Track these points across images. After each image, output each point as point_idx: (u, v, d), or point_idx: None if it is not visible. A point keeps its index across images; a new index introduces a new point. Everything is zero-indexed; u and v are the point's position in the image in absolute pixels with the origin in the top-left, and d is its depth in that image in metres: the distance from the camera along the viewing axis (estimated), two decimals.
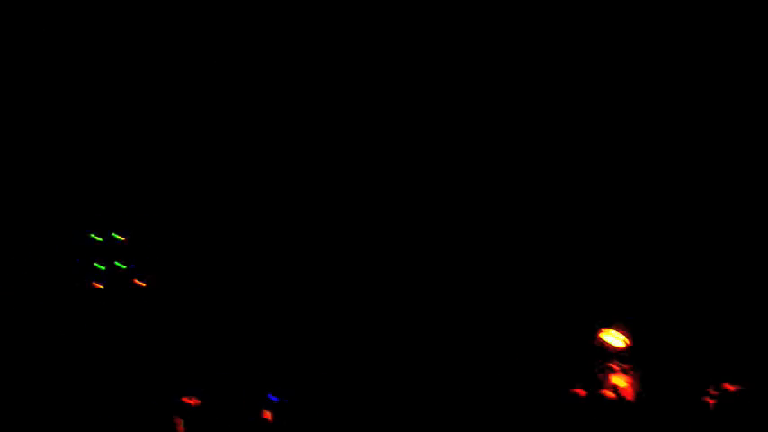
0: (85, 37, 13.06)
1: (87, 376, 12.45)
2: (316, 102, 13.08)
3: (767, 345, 11.27)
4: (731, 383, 10.99)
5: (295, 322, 12.75)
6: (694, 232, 11.96)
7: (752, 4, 11.83)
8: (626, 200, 12.23)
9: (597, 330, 11.82)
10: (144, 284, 13.45)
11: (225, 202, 13.39)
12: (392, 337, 12.31)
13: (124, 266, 13.52)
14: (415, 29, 12.69)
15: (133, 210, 13.56)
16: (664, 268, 11.96)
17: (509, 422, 11.43)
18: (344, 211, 12.98)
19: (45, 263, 13.18)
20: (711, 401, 11.04)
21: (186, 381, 12.41)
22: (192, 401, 12.15)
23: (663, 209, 12.13)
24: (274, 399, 12.11)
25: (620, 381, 11.49)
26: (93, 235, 13.48)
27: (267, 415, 12.03)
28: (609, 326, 11.75)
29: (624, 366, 11.56)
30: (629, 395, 11.40)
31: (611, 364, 11.61)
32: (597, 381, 11.55)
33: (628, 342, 11.73)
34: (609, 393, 11.42)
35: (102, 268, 13.43)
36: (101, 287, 13.38)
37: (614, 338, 11.78)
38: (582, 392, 11.46)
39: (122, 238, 13.56)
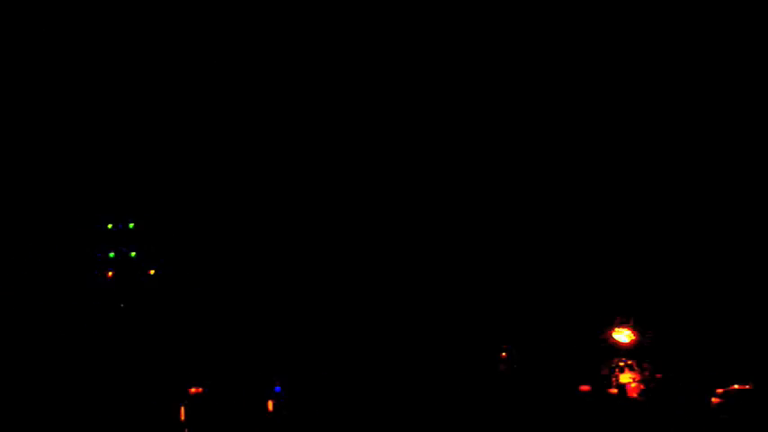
0: (99, 37, 13.10)
1: (96, 361, 12.56)
2: (320, 102, 13.08)
3: None
4: (738, 383, 10.92)
5: (298, 318, 12.74)
6: (703, 232, 11.88)
7: (752, 4, 11.78)
8: (639, 200, 12.16)
9: (608, 329, 11.78)
10: (152, 272, 13.49)
11: (234, 197, 13.42)
12: (400, 330, 12.28)
13: (134, 253, 13.58)
14: (414, 29, 12.71)
15: (144, 201, 13.60)
16: (672, 267, 11.88)
17: (517, 418, 11.38)
18: (348, 209, 12.96)
19: (59, 252, 13.26)
20: (716, 400, 10.97)
21: (191, 370, 12.45)
22: (194, 390, 12.20)
23: (674, 209, 12.04)
24: (278, 389, 12.11)
25: (627, 378, 11.43)
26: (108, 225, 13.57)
27: (269, 405, 12.04)
28: (619, 323, 11.70)
29: (630, 362, 11.51)
30: (635, 393, 11.33)
31: (619, 362, 11.55)
32: (605, 378, 11.51)
33: (635, 338, 11.67)
34: (614, 391, 11.37)
35: (112, 255, 13.50)
36: (111, 275, 13.42)
37: (623, 336, 11.73)
38: (588, 388, 11.41)
39: (132, 226, 13.61)
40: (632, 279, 11.84)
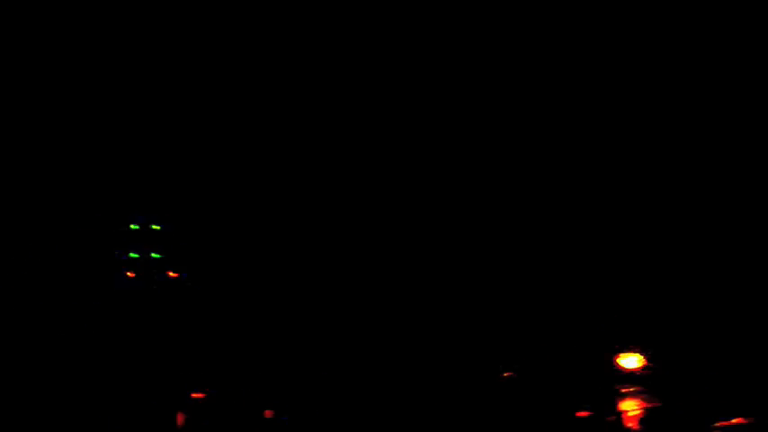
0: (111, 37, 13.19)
1: (105, 363, 12.64)
2: (325, 101, 13.03)
3: None
4: (740, 416, 10.53)
5: (301, 322, 12.70)
6: (712, 256, 11.57)
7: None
8: (647, 221, 11.89)
9: (615, 354, 11.49)
10: (176, 275, 13.54)
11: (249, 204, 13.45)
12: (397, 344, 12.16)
13: (158, 256, 13.64)
14: (415, 29, 12.60)
15: (166, 204, 13.67)
16: (683, 293, 11.57)
17: None
18: (353, 209, 12.89)
19: (82, 253, 13.37)
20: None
21: (193, 375, 12.47)
22: (197, 396, 12.20)
23: (681, 231, 11.76)
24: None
25: (629, 406, 11.10)
26: (132, 225, 13.64)
27: (268, 413, 11.98)
28: (626, 349, 11.41)
29: (635, 389, 11.19)
30: (635, 421, 11.00)
31: (623, 389, 11.26)
32: (606, 404, 11.18)
33: (643, 362, 11.35)
34: (613, 418, 11.05)
35: (136, 256, 13.56)
36: (133, 276, 13.50)
37: (629, 361, 11.42)
38: (586, 414, 11.12)
39: (158, 227, 13.66)
40: (642, 303, 11.57)
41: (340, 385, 11.98)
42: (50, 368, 12.29)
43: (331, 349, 12.28)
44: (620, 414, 11.09)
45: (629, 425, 10.96)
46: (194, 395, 12.20)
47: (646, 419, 10.93)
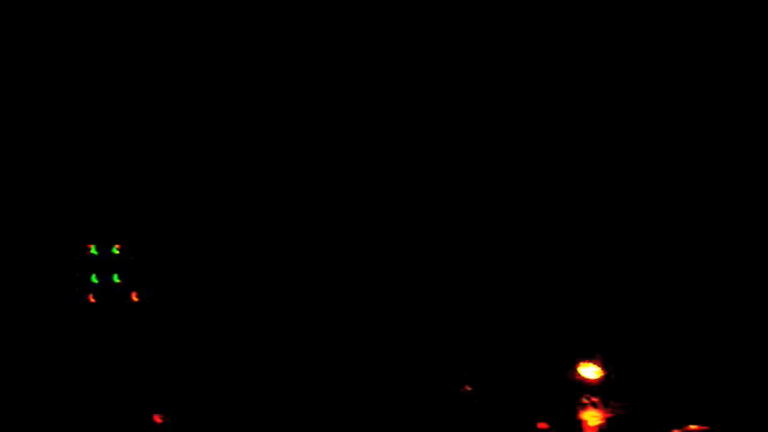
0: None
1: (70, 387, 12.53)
2: (313, 103, 13.00)
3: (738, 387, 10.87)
4: (696, 424, 10.59)
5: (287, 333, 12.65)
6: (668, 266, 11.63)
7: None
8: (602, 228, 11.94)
9: (575, 364, 11.51)
10: (137, 299, 13.45)
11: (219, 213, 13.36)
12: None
13: (119, 280, 13.54)
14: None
15: (129, 221, 13.57)
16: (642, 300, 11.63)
17: None
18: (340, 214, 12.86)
19: (40, 275, 13.25)
20: None
21: (162, 398, 12.39)
22: (160, 419, 12.13)
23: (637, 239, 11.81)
24: None
25: (589, 417, 11.13)
26: (91, 248, 13.53)
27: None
28: (586, 359, 11.43)
29: (594, 400, 11.21)
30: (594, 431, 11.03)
31: (582, 399, 11.27)
32: (564, 416, 11.19)
33: (602, 373, 11.38)
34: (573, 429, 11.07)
35: (97, 281, 13.47)
36: (95, 301, 13.40)
37: (589, 371, 11.44)
38: (546, 426, 11.13)
39: (118, 250, 13.56)
40: (601, 313, 11.60)
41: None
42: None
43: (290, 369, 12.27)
44: (580, 423, 11.11)
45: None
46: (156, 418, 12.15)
47: (605, 429, 10.96)
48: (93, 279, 13.44)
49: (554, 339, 11.61)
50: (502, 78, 12.36)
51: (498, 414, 11.34)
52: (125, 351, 12.83)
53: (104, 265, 13.46)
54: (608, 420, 11.07)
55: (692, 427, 10.50)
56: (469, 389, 11.51)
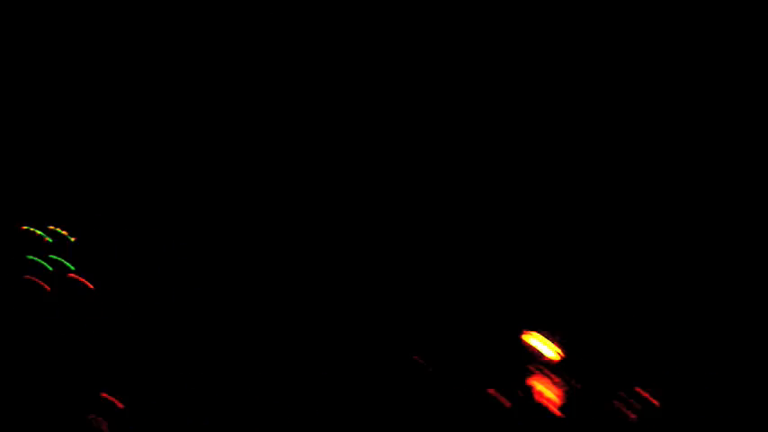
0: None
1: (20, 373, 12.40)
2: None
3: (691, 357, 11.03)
4: (650, 394, 10.72)
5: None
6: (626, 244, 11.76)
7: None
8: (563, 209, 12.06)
9: (523, 332, 11.56)
10: (91, 286, 13.35)
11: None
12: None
13: (72, 267, 13.45)
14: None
15: (85, 208, 13.52)
16: (600, 280, 11.76)
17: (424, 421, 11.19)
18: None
19: None
20: (633, 415, 10.80)
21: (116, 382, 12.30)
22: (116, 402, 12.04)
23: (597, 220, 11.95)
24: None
25: (541, 386, 11.21)
26: (42, 233, 13.44)
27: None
28: (538, 331, 11.52)
29: (553, 377, 11.30)
30: (551, 402, 11.12)
31: (533, 368, 11.35)
32: (518, 383, 11.29)
33: (560, 354, 11.48)
34: (527, 396, 11.15)
35: (51, 268, 13.36)
36: (46, 286, 13.29)
37: (544, 346, 11.54)
38: (496, 393, 11.21)
39: (73, 239, 13.48)
40: (554, 286, 11.71)
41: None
42: None
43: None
44: (530, 389, 11.20)
45: (540, 402, 11.07)
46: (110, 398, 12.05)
47: (561, 405, 11.06)
48: (47, 265, 13.42)
49: (507, 313, 11.70)
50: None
51: (450, 382, 11.37)
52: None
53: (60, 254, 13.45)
54: (564, 395, 11.18)
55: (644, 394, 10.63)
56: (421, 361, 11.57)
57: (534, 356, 11.49)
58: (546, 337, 11.59)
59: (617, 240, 11.80)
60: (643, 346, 11.33)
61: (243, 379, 12.01)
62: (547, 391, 11.30)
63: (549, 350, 11.56)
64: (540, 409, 11.21)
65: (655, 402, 10.89)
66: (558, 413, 11.23)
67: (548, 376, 11.42)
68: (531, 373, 11.43)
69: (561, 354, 11.56)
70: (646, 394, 10.79)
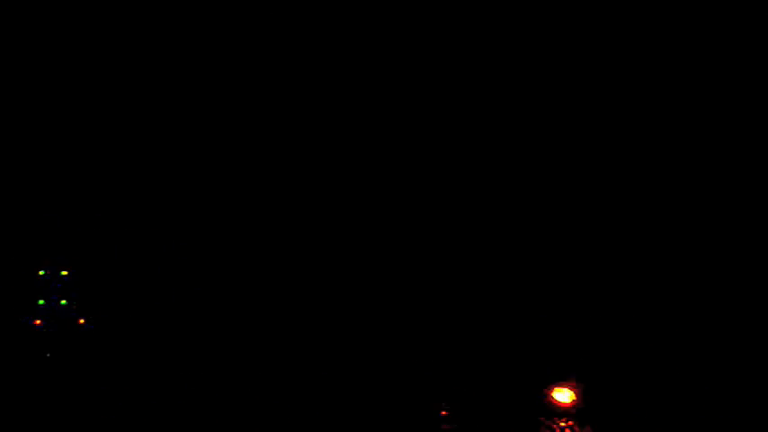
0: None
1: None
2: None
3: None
4: None
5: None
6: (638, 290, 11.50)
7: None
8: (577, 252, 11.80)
9: (548, 388, 11.26)
10: (83, 321, 13.08)
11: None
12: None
13: (66, 303, 13.18)
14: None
15: (77, 244, 13.23)
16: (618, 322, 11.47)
17: None
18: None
19: None
20: None
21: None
22: None
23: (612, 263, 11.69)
24: None
25: None
26: (40, 271, 13.17)
27: None
28: (559, 382, 11.19)
29: (569, 424, 10.93)
30: None
31: (554, 424, 11.00)
32: None
33: (575, 399, 11.13)
34: None
35: (42, 302, 13.08)
36: (40, 323, 13.01)
37: (563, 395, 11.19)
38: None
39: (65, 273, 13.22)
40: (575, 336, 11.41)
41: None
42: None
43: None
44: None
45: None
46: None
47: None
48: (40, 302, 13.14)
49: (529, 361, 11.39)
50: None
51: None
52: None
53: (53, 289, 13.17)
54: None
55: None
56: (445, 414, 11.23)
57: (553, 408, 11.15)
58: (566, 388, 11.26)
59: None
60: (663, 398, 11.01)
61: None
62: None
63: (566, 397, 11.22)
64: None
65: None
66: None
67: (569, 427, 11.07)
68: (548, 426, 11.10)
69: (580, 404, 11.22)
70: None
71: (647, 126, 11.81)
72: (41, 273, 13.10)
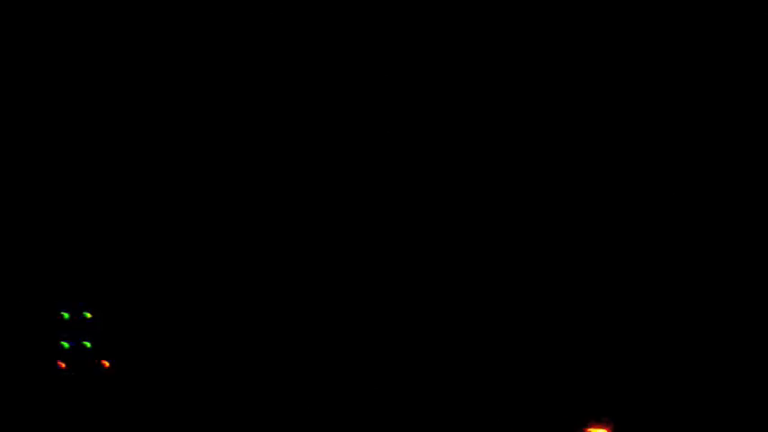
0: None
1: None
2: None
3: None
4: None
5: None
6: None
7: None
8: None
9: (581, 429, 11.24)
10: (107, 365, 13.10)
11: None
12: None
13: (90, 345, 13.20)
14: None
15: (101, 287, 13.26)
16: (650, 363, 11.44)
17: None
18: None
19: (10, 338, 12.87)
20: None
21: None
22: None
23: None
24: None
25: None
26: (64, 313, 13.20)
27: None
28: (592, 423, 11.17)
29: None
30: None
31: None
32: None
33: None
34: None
35: (67, 346, 13.10)
36: (64, 366, 13.04)
37: None
38: None
39: (90, 315, 13.25)
40: (609, 376, 11.40)
41: None
42: None
43: None
44: None
45: None
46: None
47: None
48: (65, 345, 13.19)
49: (562, 401, 11.38)
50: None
51: None
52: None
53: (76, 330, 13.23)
54: None
55: None
56: None
57: None
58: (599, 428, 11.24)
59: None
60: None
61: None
62: None
63: None
64: None
65: None
66: None
67: None
68: None
69: None
70: None
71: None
72: (66, 315, 13.15)
